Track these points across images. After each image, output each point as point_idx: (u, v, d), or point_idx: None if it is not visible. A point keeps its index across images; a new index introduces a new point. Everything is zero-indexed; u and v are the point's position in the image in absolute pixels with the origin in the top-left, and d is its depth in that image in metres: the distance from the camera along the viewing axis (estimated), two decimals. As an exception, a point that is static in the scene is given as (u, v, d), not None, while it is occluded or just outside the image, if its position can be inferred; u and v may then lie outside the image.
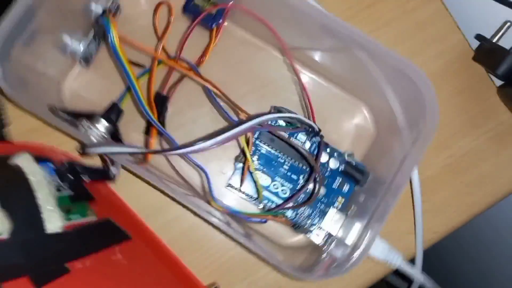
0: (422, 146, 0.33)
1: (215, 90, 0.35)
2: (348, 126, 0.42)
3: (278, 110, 0.36)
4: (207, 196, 0.33)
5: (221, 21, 0.40)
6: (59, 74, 0.41)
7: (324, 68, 0.42)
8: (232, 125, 0.31)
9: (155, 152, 0.33)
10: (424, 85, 0.33)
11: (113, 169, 0.37)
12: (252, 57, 0.43)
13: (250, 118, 0.31)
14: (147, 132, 0.40)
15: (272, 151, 0.38)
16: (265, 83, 0.42)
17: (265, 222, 0.39)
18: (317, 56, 0.41)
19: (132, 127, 0.41)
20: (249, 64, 0.42)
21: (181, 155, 0.37)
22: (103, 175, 0.38)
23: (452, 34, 0.45)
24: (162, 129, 0.35)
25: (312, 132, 0.38)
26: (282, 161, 0.39)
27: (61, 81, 0.41)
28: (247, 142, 0.36)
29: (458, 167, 0.43)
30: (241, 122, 0.31)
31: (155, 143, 0.37)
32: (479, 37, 0.44)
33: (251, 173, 0.37)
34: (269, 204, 0.39)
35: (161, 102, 0.39)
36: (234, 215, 0.34)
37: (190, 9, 0.40)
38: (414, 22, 0.44)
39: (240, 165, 0.38)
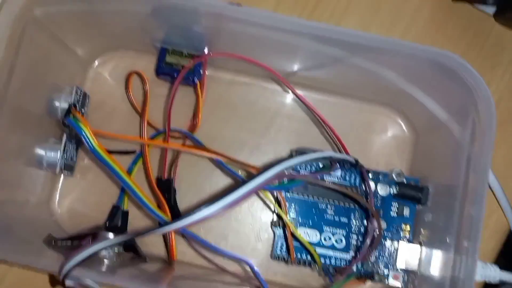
0: (488, 136, 0.26)
1: (221, 158, 0.29)
2: (382, 140, 0.36)
3: (300, 152, 0.30)
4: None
5: (201, 72, 0.34)
6: (44, 195, 0.35)
7: (332, 83, 0.36)
8: (240, 183, 0.24)
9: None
10: (463, 68, 0.27)
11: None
12: (246, 97, 0.37)
13: (262, 171, 0.25)
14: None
15: (310, 199, 0.32)
16: (271, 120, 0.36)
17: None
18: (320, 73, 0.35)
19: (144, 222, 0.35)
20: (246, 105, 0.37)
21: (213, 250, 0.30)
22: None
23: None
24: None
25: (347, 163, 0.31)
26: (324, 206, 0.33)
27: (49, 202, 0.35)
28: (277, 202, 0.29)
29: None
30: (250, 179, 0.24)
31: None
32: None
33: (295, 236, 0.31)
34: (328, 261, 0.32)
35: (166, 186, 0.33)
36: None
37: (164, 71, 0.34)
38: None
39: (280, 231, 0.32)
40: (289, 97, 0.37)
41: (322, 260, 0.32)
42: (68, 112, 0.30)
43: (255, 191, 0.23)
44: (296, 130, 0.36)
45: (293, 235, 0.30)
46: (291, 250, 0.31)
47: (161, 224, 0.23)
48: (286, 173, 0.27)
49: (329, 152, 0.29)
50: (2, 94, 0.27)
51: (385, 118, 0.36)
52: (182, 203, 0.34)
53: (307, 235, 0.32)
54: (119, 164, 0.28)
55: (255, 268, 0.26)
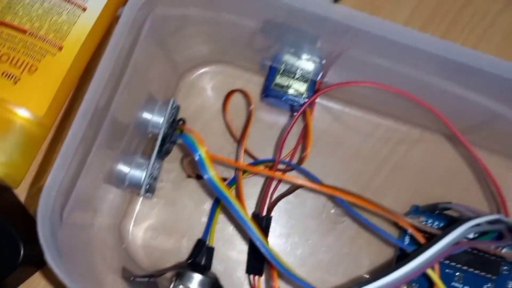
0: None
1: (357, 201, 0.24)
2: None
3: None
4: None
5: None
6: (117, 217, 0.30)
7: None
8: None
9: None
10: None
11: None
12: (355, 133, 0.32)
13: (444, 234, 0.20)
14: (254, 271, 0.29)
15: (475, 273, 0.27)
16: (378, 167, 0.32)
17: None
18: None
19: (228, 265, 0.30)
20: (353, 143, 0.32)
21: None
22: None
23: None
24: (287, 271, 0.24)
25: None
26: (452, 271, 0.28)
27: (120, 226, 0.31)
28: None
29: None
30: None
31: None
32: None
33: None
34: None
35: (263, 226, 0.29)
36: None
37: (272, 93, 0.30)
38: None
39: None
40: (408, 137, 0.32)
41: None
42: (173, 124, 0.25)
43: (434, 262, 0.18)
44: (409, 182, 0.31)
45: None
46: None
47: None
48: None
49: (501, 216, 0.23)
50: (109, 102, 0.23)
51: None
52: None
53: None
54: (235, 198, 0.23)
55: None
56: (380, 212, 0.23)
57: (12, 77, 0.27)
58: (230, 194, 0.23)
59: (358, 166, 0.32)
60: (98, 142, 0.23)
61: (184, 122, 0.28)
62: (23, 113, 0.27)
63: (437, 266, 0.23)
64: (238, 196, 0.29)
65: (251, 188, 0.31)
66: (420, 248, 0.20)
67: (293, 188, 0.28)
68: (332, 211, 0.31)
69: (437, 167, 0.32)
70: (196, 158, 0.23)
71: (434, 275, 0.23)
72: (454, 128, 0.26)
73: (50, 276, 0.30)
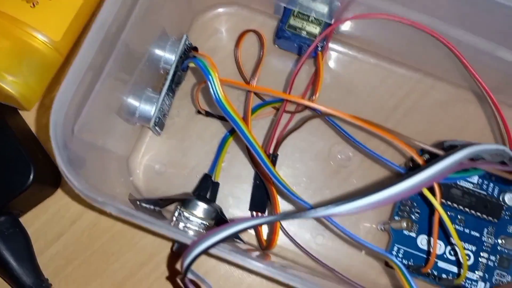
0: None
1: (374, 129, 0.23)
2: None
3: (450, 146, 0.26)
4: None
5: (325, 42, 0.30)
6: (126, 151, 0.31)
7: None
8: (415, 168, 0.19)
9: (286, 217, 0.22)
10: None
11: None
12: (368, 79, 0.32)
13: (441, 158, 0.20)
14: (257, 208, 0.29)
15: (477, 215, 0.28)
16: (392, 110, 0.32)
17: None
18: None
19: (231, 202, 0.31)
20: (366, 88, 0.32)
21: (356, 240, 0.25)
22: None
23: None
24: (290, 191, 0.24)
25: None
26: (453, 214, 0.28)
27: (129, 160, 0.31)
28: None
29: None
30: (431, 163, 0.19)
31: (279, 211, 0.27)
32: None
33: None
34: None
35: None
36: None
37: (285, 34, 0.30)
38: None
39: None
40: (420, 85, 0.32)
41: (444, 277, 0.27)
42: (188, 52, 0.25)
43: (430, 182, 0.18)
44: (418, 130, 0.31)
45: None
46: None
47: (310, 208, 0.18)
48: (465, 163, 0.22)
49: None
50: (120, 29, 0.23)
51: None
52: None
53: (429, 245, 0.27)
54: (244, 123, 0.24)
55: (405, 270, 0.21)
56: (397, 142, 0.23)
57: (31, 0, 0.27)
58: (238, 116, 0.23)
59: (368, 113, 0.32)
60: (108, 67, 0.23)
61: (197, 49, 0.28)
62: (40, 36, 0.27)
63: (438, 192, 0.23)
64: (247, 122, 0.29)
65: (259, 130, 0.31)
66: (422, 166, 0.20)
67: (302, 122, 0.28)
68: (339, 156, 0.31)
69: (447, 116, 0.32)
70: (208, 80, 0.23)
71: (434, 200, 0.23)
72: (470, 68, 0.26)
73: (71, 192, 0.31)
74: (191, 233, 0.27)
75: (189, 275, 0.18)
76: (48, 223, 0.30)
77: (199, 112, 0.31)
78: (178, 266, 0.30)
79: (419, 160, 0.24)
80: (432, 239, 0.27)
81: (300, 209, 0.19)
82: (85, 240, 0.30)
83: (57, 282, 0.30)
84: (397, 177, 0.19)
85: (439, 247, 0.27)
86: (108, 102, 0.26)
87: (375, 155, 0.27)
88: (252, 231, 0.30)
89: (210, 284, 0.19)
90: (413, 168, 0.28)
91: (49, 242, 0.30)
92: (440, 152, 0.23)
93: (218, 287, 0.30)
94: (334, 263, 0.28)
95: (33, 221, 0.30)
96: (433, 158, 0.20)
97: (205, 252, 0.18)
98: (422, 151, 0.27)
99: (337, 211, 0.18)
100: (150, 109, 0.29)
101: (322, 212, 0.18)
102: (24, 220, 0.29)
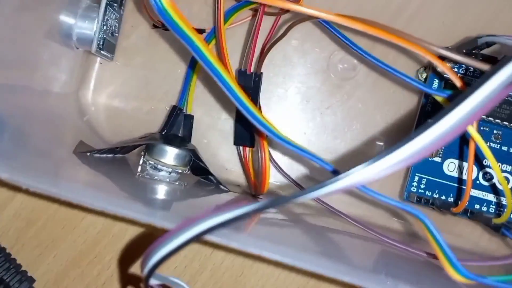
0: None
1: (383, 35, 0.17)
2: None
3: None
4: (444, 262, 0.16)
5: None
6: (72, 85, 0.24)
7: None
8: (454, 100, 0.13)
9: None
10: None
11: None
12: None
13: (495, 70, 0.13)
14: (243, 142, 0.23)
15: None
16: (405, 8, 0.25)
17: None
18: None
19: (212, 138, 0.25)
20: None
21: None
22: None
23: None
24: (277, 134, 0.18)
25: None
26: (488, 129, 0.22)
27: (79, 95, 0.25)
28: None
29: None
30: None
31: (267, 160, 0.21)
32: None
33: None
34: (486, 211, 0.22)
35: (250, 84, 0.23)
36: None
37: None
38: None
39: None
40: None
41: (477, 208, 0.22)
42: None
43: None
44: (438, 22, 0.25)
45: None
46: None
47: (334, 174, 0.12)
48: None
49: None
50: None
51: None
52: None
53: (459, 170, 0.22)
54: (198, 35, 0.17)
55: (433, 227, 0.16)
56: (410, 46, 0.17)
57: None
58: (189, 29, 0.17)
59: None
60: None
61: None
62: None
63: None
64: (220, 51, 0.22)
65: (234, 41, 0.24)
66: (458, 95, 0.13)
67: (287, 28, 0.21)
68: (340, 65, 0.25)
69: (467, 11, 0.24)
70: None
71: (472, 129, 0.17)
72: None
73: None
74: (161, 189, 0.21)
75: (153, 281, 0.13)
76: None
77: (154, 25, 0.24)
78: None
79: (443, 68, 0.18)
80: (464, 164, 0.21)
81: (295, 193, 0.13)
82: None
83: None
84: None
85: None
86: (31, 28, 0.19)
87: (383, 66, 0.21)
88: (240, 169, 0.24)
89: (181, 282, 0.14)
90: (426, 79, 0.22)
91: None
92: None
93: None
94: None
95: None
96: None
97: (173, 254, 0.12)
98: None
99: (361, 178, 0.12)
100: (89, 27, 0.22)
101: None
102: None
